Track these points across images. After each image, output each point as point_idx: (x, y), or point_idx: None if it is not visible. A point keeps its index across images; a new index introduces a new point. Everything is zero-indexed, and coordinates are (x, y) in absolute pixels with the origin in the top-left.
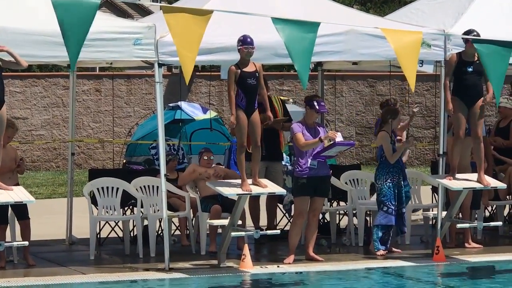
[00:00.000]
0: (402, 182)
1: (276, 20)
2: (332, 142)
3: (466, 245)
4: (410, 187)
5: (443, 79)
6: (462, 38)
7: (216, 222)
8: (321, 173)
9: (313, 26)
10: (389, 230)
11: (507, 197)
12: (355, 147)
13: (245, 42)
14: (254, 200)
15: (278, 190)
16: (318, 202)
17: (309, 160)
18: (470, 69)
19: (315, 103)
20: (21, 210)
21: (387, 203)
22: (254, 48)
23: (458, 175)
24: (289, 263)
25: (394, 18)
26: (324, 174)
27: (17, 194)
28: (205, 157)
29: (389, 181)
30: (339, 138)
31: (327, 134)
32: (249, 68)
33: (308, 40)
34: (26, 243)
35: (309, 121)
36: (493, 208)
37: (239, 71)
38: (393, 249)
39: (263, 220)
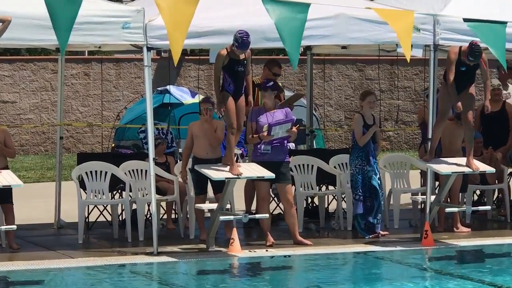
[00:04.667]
0: (365, 167)
1: (266, 1)
2: (268, 125)
3: (455, 229)
4: (376, 173)
5: (432, 64)
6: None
7: (204, 206)
8: (275, 159)
9: (303, 7)
10: (366, 217)
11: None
12: (344, 131)
13: (241, 47)
14: (251, 184)
15: (267, 174)
16: (282, 189)
17: (263, 146)
18: (463, 69)
19: (268, 85)
20: (4, 194)
21: (356, 191)
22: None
23: (448, 159)
24: (271, 243)
25: (384, 1)
26: (279, 160)
27: (5, 177)
28: (202, 107)
29: (358, 166)
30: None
31: (264, 133)
32: (239, 56)
33: (298, 21)
34: (14, 227)
35: (266, 105)
36: (483, 193)
37: (228, 58)
38: (381, 232)
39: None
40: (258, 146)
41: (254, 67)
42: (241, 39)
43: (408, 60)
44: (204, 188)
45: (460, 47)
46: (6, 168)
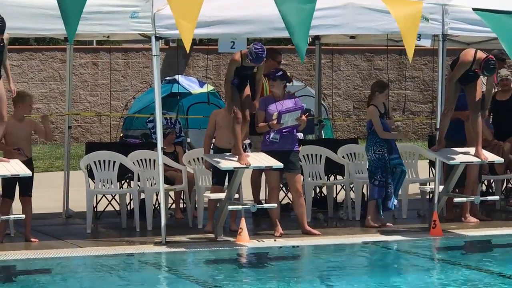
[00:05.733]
0: (388, 155)
1: None
2: (278, 112)
3: (463, 219)
4: (401, 162)
5: (440, 54)
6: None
7: (213, 195)
8: (285, 148)
9: None
10: (385, 202)
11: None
12: (352, 121)
13: (255, 61)
14: (256, 174)
15: (276, 163)
16: (291, 178)
17: (272, 134)
18: (471, 73)
19: (277, 74)
20: (24, 185)
21: (377, 175)
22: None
23: (457, 149)
24: (280, 234)
25: None
26: (287, 149)
27: (13, 167)
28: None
29: (377, 152)
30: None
31: (273, 121)
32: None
33: (306, 12)
34: (23, 216)
35: (275, 93)
36: (491, 182)
37: (240, 64)
38: (386, 224)
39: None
40: (267, 135)
41: None
42: (256, 54)
43: (410, 60)
44: (222, 179)
45: (475, 52)
46: (31, 160)
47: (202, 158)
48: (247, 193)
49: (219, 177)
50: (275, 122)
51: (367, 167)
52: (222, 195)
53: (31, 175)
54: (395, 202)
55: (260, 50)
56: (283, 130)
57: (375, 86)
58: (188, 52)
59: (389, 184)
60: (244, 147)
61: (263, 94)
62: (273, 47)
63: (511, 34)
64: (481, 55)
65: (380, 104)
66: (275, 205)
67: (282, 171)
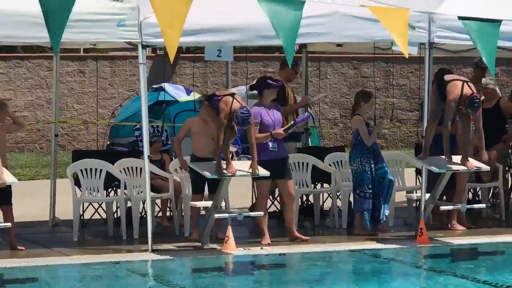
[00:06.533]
0: (374, 165)
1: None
2: (292, 122)
3: (449, 226)
4: (387, 171)
5: (427, 62)
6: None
7: (199, 204)
8: (282, 155)
9: (298, 5)
10: (374, 213)
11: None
12: (339, 128)
13: (241, 125)
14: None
15: (263, 172)
16: (286, 184)
17: (270, 144)
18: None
19: (270, 81)
20: (5, 195)
21: (363, 187)
22: None
23: (442, 157)
24: (268, 244)
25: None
26: (283, 156)
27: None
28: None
29: (364, 163)
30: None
31: (277, 130)
32: None
33: (293, 17)
34: (9, 224)
35: (266, 103)
36: (478, 191)
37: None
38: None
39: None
40: (267, 144)
41: (249, 65)
42: (242, 119)
43: (407, 55)
44: (202, 187)
45: (463, 85)
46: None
47: (189, 167)
48: (234, 201)
49: (198, 186)
50: (280, 131)
51: (352, 177)
52: (207, 203)
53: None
54: (386, 212)
55: (246, 114)
56: (280, 140)
57: (360, 96)
58: (172, 61)
59: (377, 195)
60: (231, 155)
61: (288, 102)
62: (268, 56)
63: (493, 43)
64: (467, 90)
65: (364, 114)
66: (262, 213)
67: (278, 178)
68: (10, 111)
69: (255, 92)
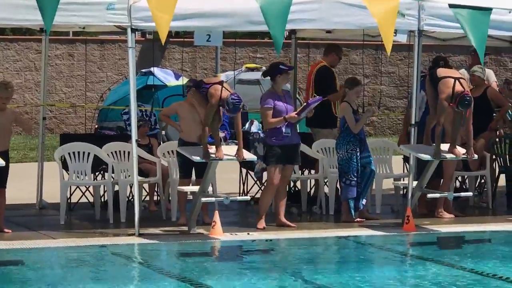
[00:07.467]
0: (359, 154)
1: None
2: (305, 104)
3: (436, 214)
4: (371, 160)
5: (416, 50)
6: None
7: (187, 188)
8: (294, 141)
9: None
10: (356, 201)
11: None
12: None
13: (232, 111)
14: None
15: (249, 156)
16: (288, 169)
17: (284, 129)
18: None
19: (283, 66)
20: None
21: (349, 175)
22: None
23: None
24: (263, 228)
25: None
26: (296, 142)
27: None
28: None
29: (350, 151)
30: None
31: (290, 114)
32: None
33: (283, 2)
34: None
35: (279, 89)
36: (465, 179)
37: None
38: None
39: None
40: (281, 129)
41: (238, 50)
42: (233, 105)
43: (388, 53)
44: (189, 172)
45: (454, 82)
46: (7, 152)
47: (176, 151)
48: (221, 187)
49: (186, 170)
50: (293, 114)
51: (337, 164)
52: (194, 188)
53: (4, 165)
54: (364, 201)
55: (237, 100)
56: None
57: (346, 82)
58: (163, 44)
59: (359, 184)
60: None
61: (336, 85)
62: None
63: (484, 30)
64: (458, 88)
65: (352, 101)
66: (249, 198)
67: (285, 163)
68: (18, 116)
69: (243, 77)
